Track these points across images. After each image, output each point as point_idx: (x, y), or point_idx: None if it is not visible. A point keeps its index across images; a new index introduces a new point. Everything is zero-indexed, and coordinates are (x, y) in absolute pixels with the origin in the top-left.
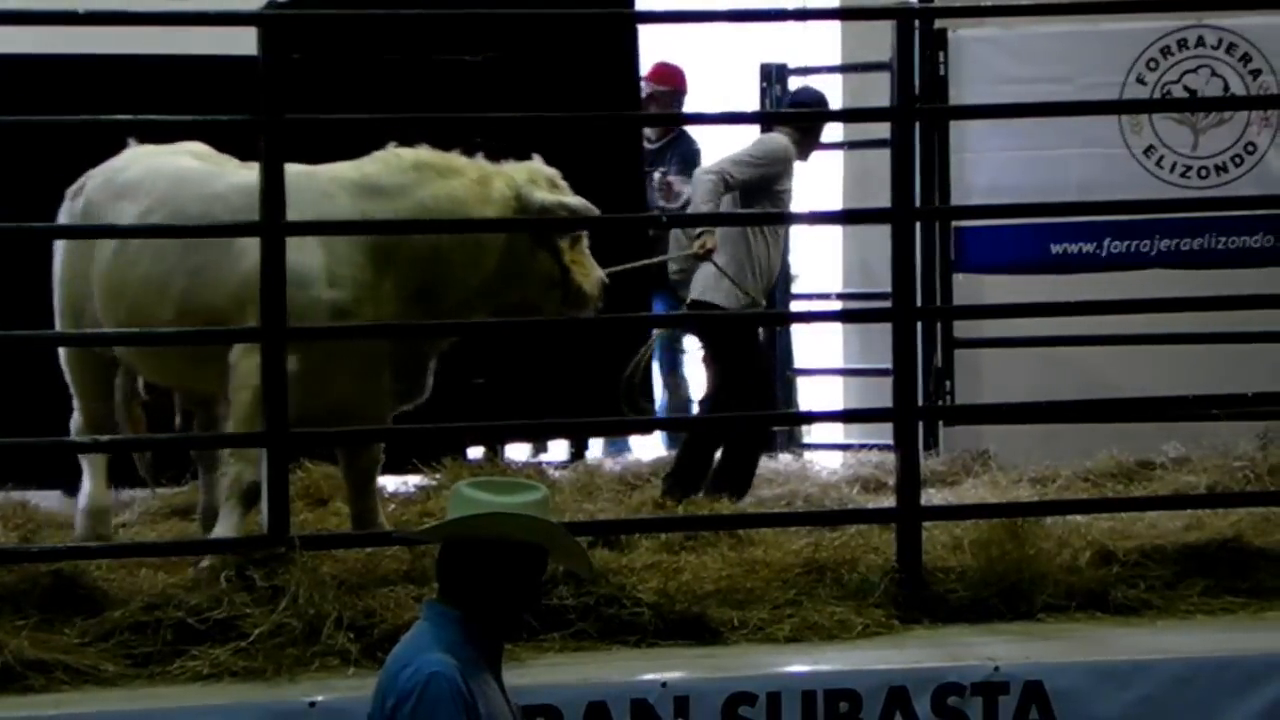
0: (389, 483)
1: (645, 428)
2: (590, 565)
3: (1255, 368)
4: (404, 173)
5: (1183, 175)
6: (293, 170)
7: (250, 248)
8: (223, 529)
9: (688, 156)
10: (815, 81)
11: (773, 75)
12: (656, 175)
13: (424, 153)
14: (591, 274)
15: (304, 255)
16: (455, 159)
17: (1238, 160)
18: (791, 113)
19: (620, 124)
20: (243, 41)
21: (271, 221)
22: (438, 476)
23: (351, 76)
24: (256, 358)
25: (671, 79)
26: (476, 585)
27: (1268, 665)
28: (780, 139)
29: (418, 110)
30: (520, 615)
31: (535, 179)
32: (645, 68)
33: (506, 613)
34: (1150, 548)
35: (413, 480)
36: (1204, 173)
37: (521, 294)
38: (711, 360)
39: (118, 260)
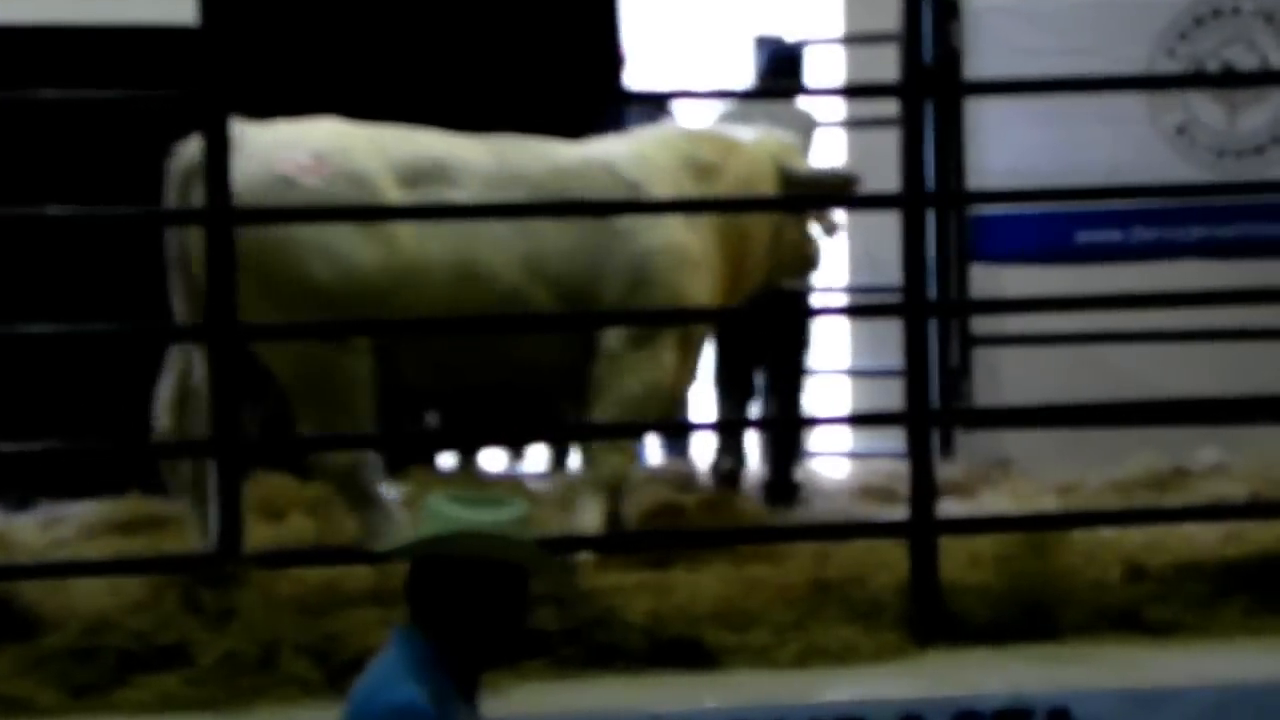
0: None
1: (634, 432)
2: (575, 585)
3: None
4: (715, 150)
5: (1218, 156)
6: (629, 150)
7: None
8: (588, 519)
9: None
10: (817, 54)
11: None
12: None
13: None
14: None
15: (681, 235)
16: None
17: (1279, 140)
18: (789, 88)
19: (604, 98)
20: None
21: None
22: (405, 488)
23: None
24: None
25: None
26: (450, 609)
27: None
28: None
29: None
30: (499, 642)
31: (788, 151)
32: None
33: (484, 639)
34: (1186, 563)
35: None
36: (1241, 154)
37: (780, 269)
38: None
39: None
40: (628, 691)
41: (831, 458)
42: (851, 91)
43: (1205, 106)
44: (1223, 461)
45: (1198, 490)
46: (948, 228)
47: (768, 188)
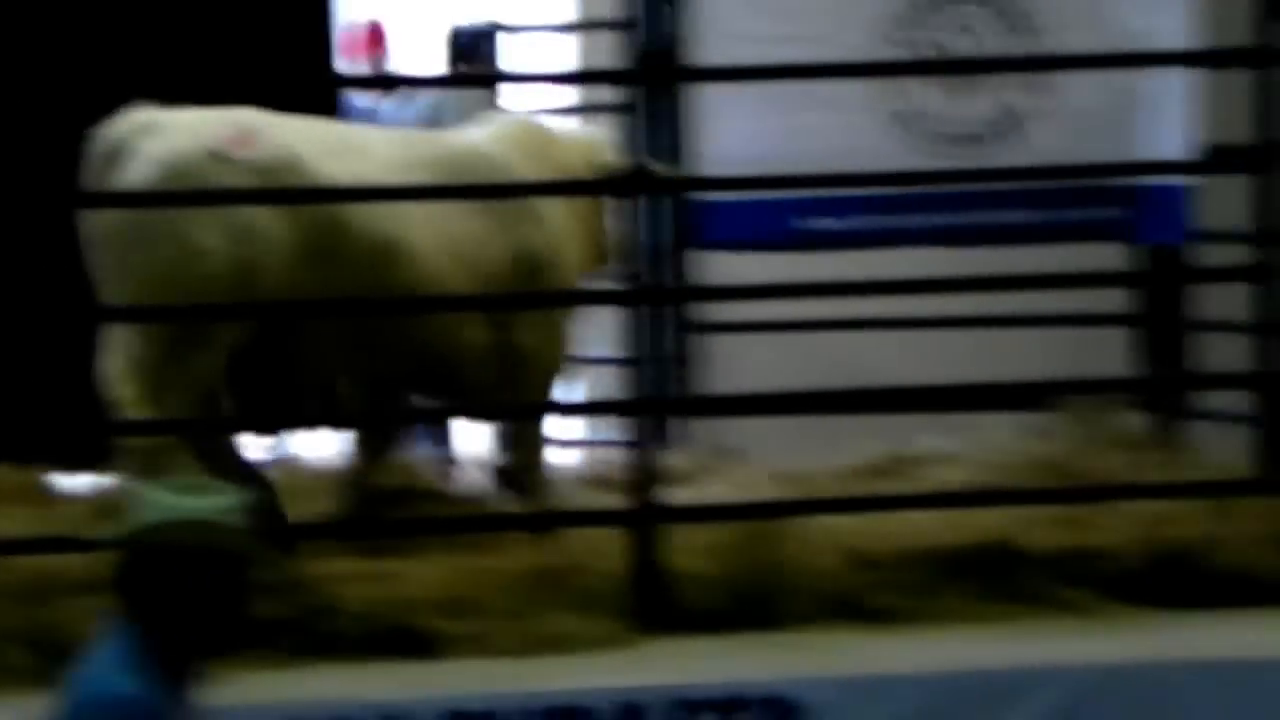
0: (63, 482)
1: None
2: (290, 575)
3: (1018, 355)
4: (543, 140)
5: (938, 144)
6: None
7: None
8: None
9: None
10: (544, 41)
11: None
12: None
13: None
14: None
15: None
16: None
17: (997, 127)
18: (513, 74)
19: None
20: None
21: None
22: (120, 475)
23: None
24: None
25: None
26: (162, 598)
27: (1031, 677)
28: None
29: None
30: (214, 631)
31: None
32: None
33: (197, 628)
34: (907, 550)
35: (91, 479)
36: (961, 141)
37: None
38: None
39: None
40: (347, 680)
41: (559, 446)
42: (576, 78)
43: (925, 94)
44: (944, 449)
45: (919, 478)
46: (669, 214)
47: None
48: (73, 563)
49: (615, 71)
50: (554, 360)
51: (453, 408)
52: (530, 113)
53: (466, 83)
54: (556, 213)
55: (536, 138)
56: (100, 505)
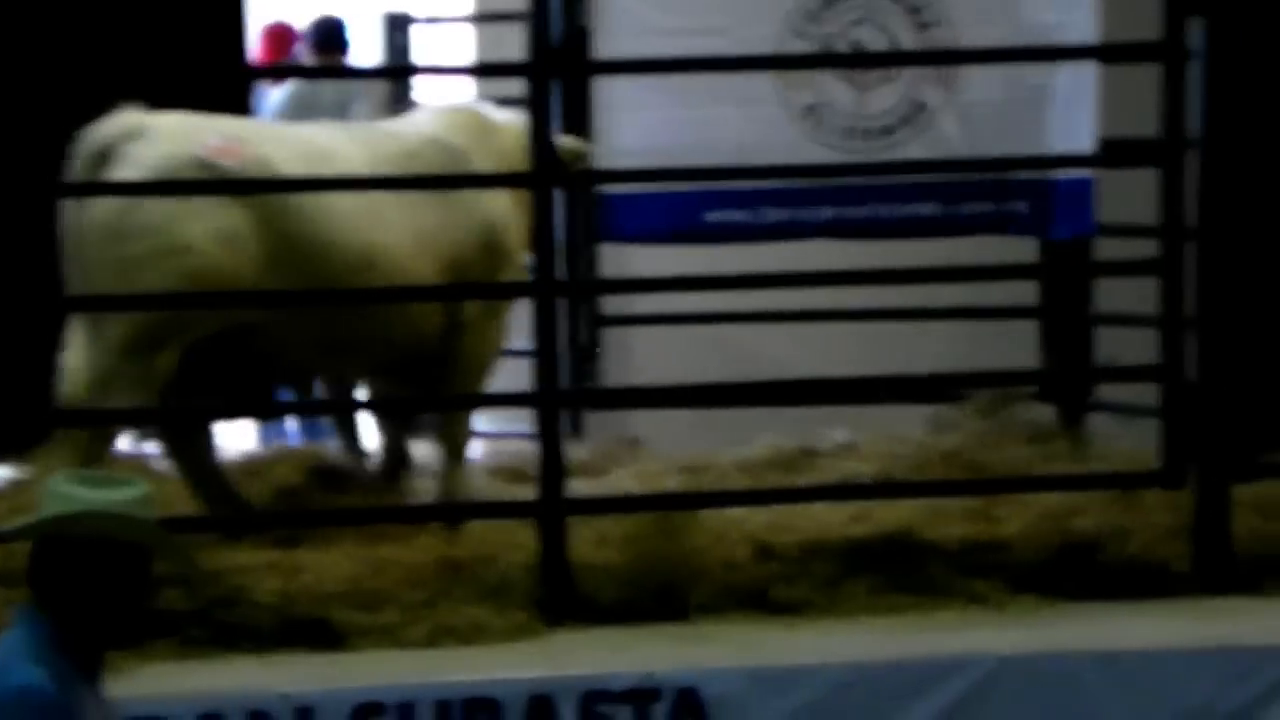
0: None
1: (272, 411)
2: (196, 566)
3: (925, 347)
4: (484, 127)
5: (847, 137)
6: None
7: None
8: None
9: None
10: (447, 33)
11: (395, 25)
12: None
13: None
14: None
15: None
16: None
17: (906, 121)
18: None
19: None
20: None
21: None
22: (30, 468)
23: None
24: None
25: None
26: (70, 589)
27: (938, 668)
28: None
29: None
30: (120, 622)
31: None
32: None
33: (105, 619)
34: (813, 542)
35: (1, 472)
36: (870, 134)
37: None
38: None
39: None
40: (256, 672)
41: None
42: (478, 71)
43: (834, 87)
44: (850, 441)
45: (826, 470)
46: (576, 207)
47: (523, 164)
48: None
49: (519, 64)
50: (497, 349)
51: (380, 400)
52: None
53: (379, 75)
54: (505, 199)
55: (482, 125)
56: (12, 497)
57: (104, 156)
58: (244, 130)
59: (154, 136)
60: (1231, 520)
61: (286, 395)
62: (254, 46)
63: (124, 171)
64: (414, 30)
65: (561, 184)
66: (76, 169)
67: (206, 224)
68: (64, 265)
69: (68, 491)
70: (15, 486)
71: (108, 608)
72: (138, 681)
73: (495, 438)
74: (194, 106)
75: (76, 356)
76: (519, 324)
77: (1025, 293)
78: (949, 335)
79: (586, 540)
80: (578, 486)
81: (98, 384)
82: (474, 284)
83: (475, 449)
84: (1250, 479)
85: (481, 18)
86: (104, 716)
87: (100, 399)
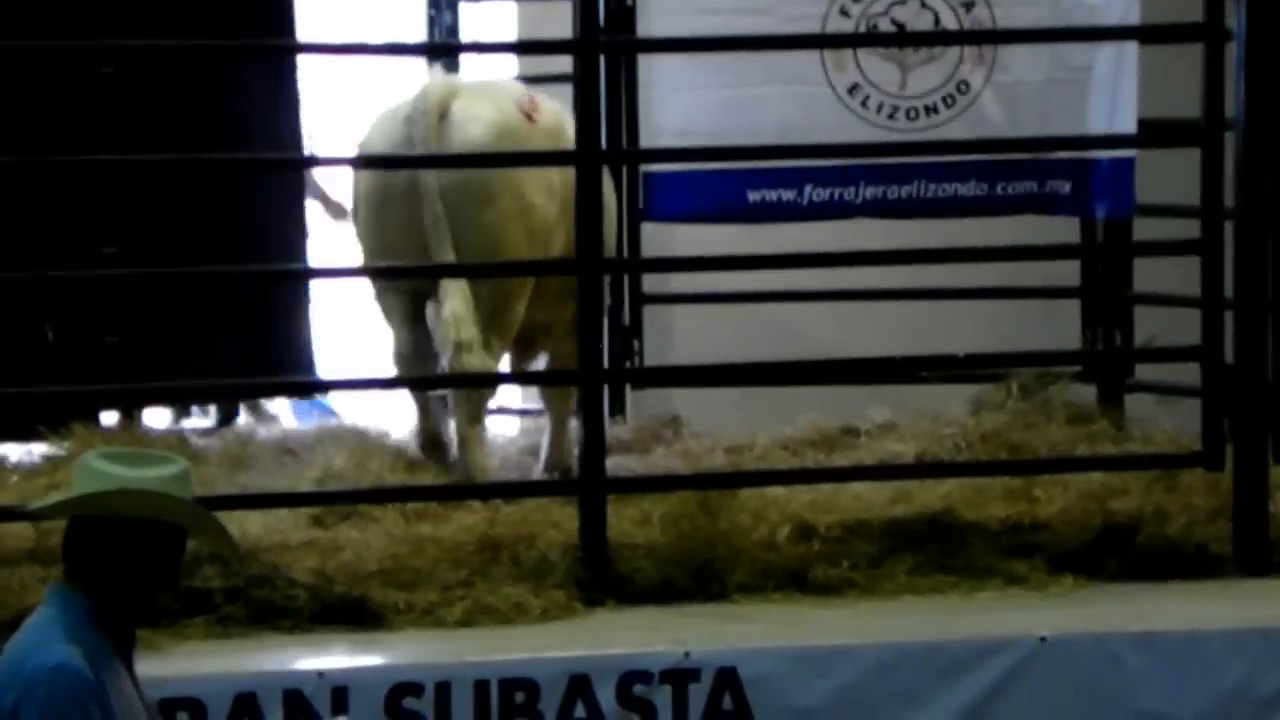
0: (11, 452)
1: (303, 390)
2: (235, 545)
3: (966, 327)
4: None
5: (890, 117)
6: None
7: None
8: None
9: None
10: (488, 11)
11: (442, 3)
12: None
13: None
14: None
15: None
16: None
17: (949, 101)
18: (460, 45)
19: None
20: None
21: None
22: (66, 445)
23: None
24: None
25: None
26: (105, 567)
27: (978, 650)
28: None
29: None
30: (155, 599)
31: None
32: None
33: (139, 597)
34: (854, 522)
35: (38, 449)
36: (913, 114)
37: None
38: None
39: None
40: (293, 650)
41: (503, 415)
42: (525, 48)
43: (878, 67)
44: (891, 421)
45: (867, 450)
46: (621, 185)
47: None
48: (20, 532)
49: (566, 41)
50: None
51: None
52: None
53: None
54: None
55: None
56: (49, 474)
57: (443, 116)
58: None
59: (475, 95)
60: (1271, 502)
61: None
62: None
63: (471, 129)
64: (461, 8)
65: (607, 162)
66: (419, 129)
67: (538, 181)
68: (393, 221)
69: (102, 468)
70: (52, 463)
71: (142, 585)
72: (174, 660)
73: (535, 415)
74: (242, 81)
75: (458, 308)
76: None
77: (1066, 273)
78: (990, 315)
79: (627, 519)
80: (619, 465)
81: (480, 340)
82: (517, 261)
83: (514, 426)
84: None
85: None
86: (136, 694)
87: (485, 357)
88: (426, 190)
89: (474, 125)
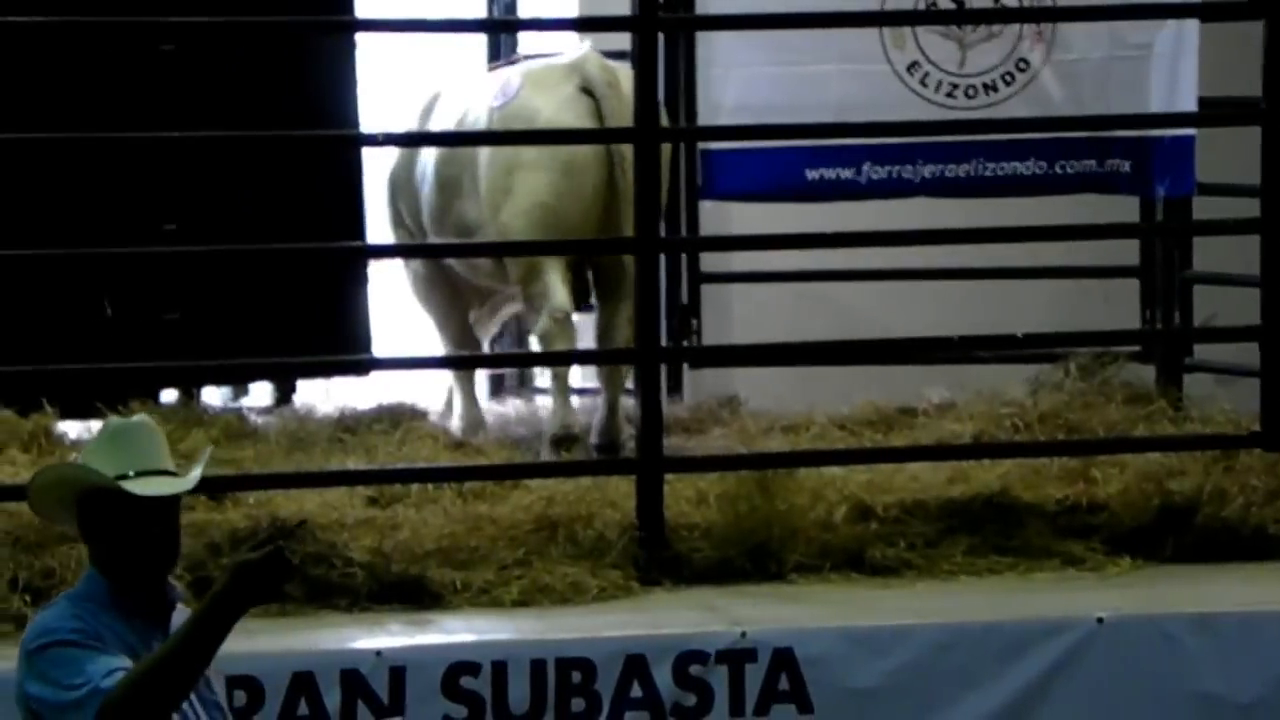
0: (70, 429)
1: (361, 368)
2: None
3: (1025, 306)
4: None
5: (949, 95)
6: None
7: None
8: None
9: None
10: None
11: None
12: None
13: None
14: None
15: None
16: None
17: (1009, 79)
18: (520, 21)
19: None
20: None
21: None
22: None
23: None
24: None
25: None
26: (92, 545)
27: (1035, 631)
28: None
29: None
30: (154, 571)
31: None
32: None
33: (133, 569)
34: (911, 503)
35: (98, 427)
36: (972, 92)
37: None
38: None
39: None
40: (350, 629)
41: None
42: (585, 24)
43: (937, 45)
44: (949, 401)
45: (924, 430)
46: (678, 163)
47: None
48: None
49: (626, 18)
50: None
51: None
52: None
53: (485, 28)
54: None
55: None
56: None
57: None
58: None
59: (625, 71)
60: None
61: None
62: None
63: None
64: None
65: (666, 139)
66: (609, 103)
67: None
68: (580, 190)
69: (108, 448)
70: None
71: (128, 557)
72: (231, 639)
73: (593, 394)
74: (300, 57)
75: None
76: None
77: (1125, 252)
78: (1048, 295)
79: (684, 499)
80: (676, 445)
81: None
82: (577, 240)
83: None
84: None
85: None
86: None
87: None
88: (623, 162)
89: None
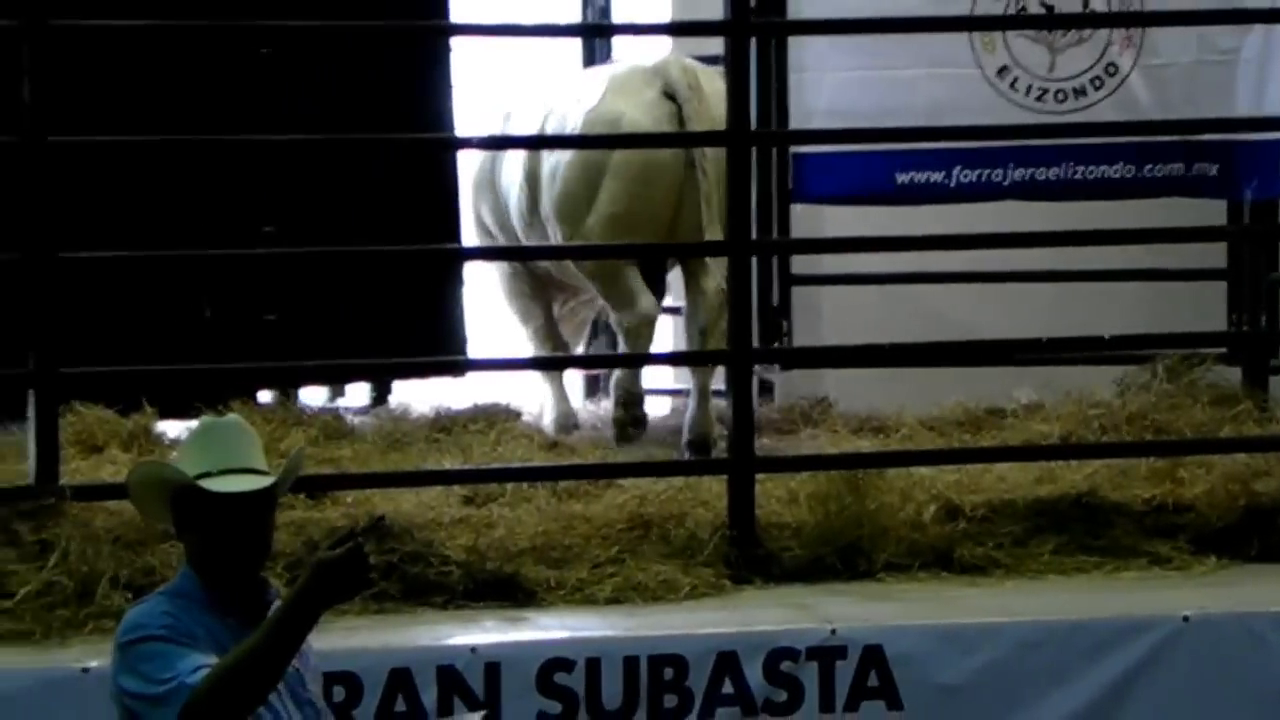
0: (170, 428)
1: (456, 369)
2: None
3: (1113, 308)
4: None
5: (1038, 99)
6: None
7: None
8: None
9: None
10: None
11: None
12: None
13: None
14: None
15: None
16: None
17: (1097, 83)
18: (613, 26)
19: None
20: None
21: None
22: None
23: None
24: None
25: None
26: (186, 543)
27: (1121, 629)
28: None
29: None
30: (245, 567)
31: None
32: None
33: (224, 565)
34: (999, 502)
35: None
36: (1061, 96)
37: None
38: None
39: None
40: (446, 626)
41: (653, 395)
42: (678, 29)
43: (1026, 49)
44: (1037, 402)
45: (1012, 430)
46: (770, 166)
47: None
48: None
49: (718, 23)
50: None
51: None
52: None
53: (579, 33)
54: None
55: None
56: None
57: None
58: None
59: (709, 74)
60: None
61: None
62: None
63: (720, 106)
64: None
65: (758, 143)
66: (691, 107)
67: None
68: (656, 194)
69: (197, 449)
70: None
71: (219, 553)
72: (329, 636)
73: (684, 394)
74: (397, 62)
75: (640, 286)
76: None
77: (1212, 255)
78: (1136, 297)
79: (775, 499)
80: (767, 445)
81: None
82: (670, 244)
83: (664, 406)
84: None
85: None
86: None
87: None
88: (703, 164)
89: (721, 103)
